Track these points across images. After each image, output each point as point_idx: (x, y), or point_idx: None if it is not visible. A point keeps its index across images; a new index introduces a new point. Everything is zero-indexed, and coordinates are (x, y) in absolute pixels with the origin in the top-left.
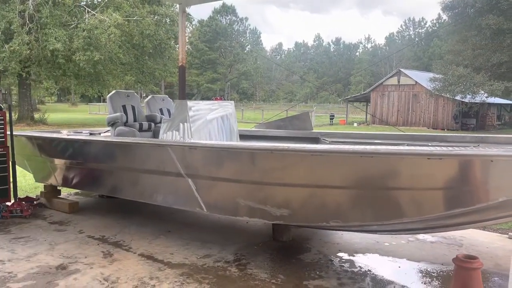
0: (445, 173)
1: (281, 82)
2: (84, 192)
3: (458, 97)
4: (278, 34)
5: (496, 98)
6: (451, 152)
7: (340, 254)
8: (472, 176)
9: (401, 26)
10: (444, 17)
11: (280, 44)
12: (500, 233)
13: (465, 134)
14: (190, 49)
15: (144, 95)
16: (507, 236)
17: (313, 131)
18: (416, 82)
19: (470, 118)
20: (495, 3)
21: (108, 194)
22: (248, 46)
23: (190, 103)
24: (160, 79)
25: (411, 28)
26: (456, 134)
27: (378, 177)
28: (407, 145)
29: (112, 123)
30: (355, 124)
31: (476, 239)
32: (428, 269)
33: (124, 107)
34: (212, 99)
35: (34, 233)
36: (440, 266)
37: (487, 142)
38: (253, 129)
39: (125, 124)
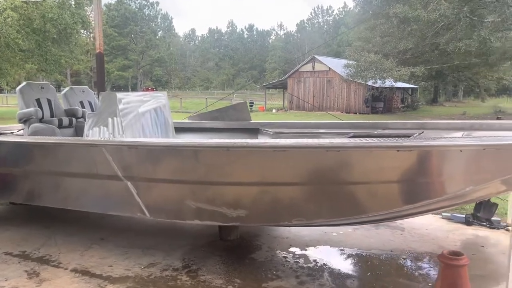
0: (414, 164)
1: (196, 69)
2: None
3: (370, 82)
4: (190, 19)
5: (399, 82)
6: (421, 143)
7: (292, 249)
8: (442, 167)
9: (311, 14)
10: (350, 5)
11: (193, 30)
12: (433, 213)
13: (406, 121)
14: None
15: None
16: (441, 216)
17: (252, 121)
18: (329, 68)
19: (379, 102)
20: None
21: (23, 201)
22: (160, 32)
23: (119, 95)
24: (67, 67)
25: (320, 16)
26: (398, 121)
27: (344, 172)
28: (354, 135)
29: (25, 120)
30: (274, 111)
31: (414, 222)
32: (381, 258)
33: (38, 101)
34: (143, 90)
35: None
36: (390, 253)
37: (428, 128)
38: (187, 121)
39: (41, 120)
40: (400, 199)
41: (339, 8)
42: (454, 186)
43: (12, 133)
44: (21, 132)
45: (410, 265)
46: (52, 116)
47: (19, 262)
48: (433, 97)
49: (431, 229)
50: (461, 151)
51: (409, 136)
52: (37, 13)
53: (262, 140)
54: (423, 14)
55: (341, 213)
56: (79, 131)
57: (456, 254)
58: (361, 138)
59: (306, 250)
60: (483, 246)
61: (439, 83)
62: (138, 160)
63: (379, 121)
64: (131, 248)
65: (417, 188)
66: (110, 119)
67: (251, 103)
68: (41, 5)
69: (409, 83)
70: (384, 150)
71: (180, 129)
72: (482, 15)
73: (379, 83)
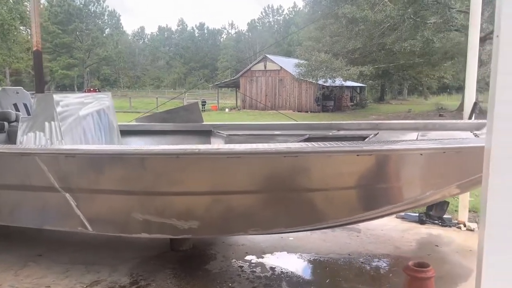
0: (375, 169)
1: (146, 67)
2: None
3: (321, 82)
4: (139, 17)
5: (348, 81)
6: (382, 148)
7: (248, 258)
8: (403, 171)
9: (261, 13)
10: (299, 5)
11: (142, 28)
12: None
13: (360, 122)
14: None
15: None
16: (394, 216)
17: (205, 123)
18: (281, 67)
19: (329, 100)
20: None
21: None
22: (108, 29)
23: (57, 97)
24: (5, 66)
25: (271, 15)
26: (353, 122)
27: (302, 178)
28: (309, 136)
29: None
30: (227, 110)
31: (370, 222)
32: (339, 262)
33: None
34: (85, 91)
35: None
36: (348, 257)
37: (383, 128)
38: (135, 123)
39: None
40: (361, 205)
41: (289, 8)
42: (415, 190)
43: None
44: None
45: (369, 269)
46: None
47: None
48: (380, 95)
49: (386, 229)
50: (421, 154)
51: (364, 138)
52: None
53: (215, 145)
54: (370, 15)
55: (299, 221)
56: (12, 137)
57: (422, 265)
58: (318, 142)
59: (262, 257)
60: (437, 246)
61: (385, 82)
62: (77, 169)
63: (334, 122)
64: (73, 265)
65: (378, 193)
66: (47, 124)
67: (204, 102)
68: None
69: (358, 82)
70: (343, 154)
71: (126, 132)
72: (425, 17)
73: (329, 82)
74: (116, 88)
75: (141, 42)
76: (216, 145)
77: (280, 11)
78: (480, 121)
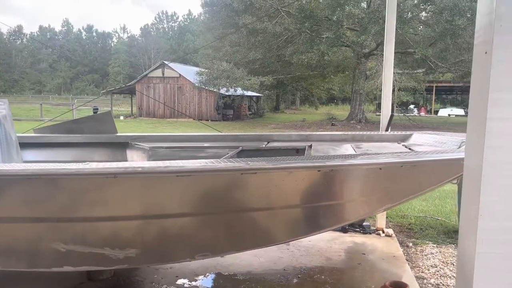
0: (335, 185)
1: (25, 70)
2: None
3: (222, 90)
4: (16, 15)
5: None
6: (345, 162)
7: (180, 282)
8: (364, 186)
9: (155, 19)
10: (194, 13)
11: (20, 27)
12: None
13: (291, 133)
14: None
15: None
16: None
17: (120, 134)
18: (180, 74)
19: (229, 109)
20: (250, 4)
21: None
22: None
23: None
24: None
25: (165, 21)
26: (283, 133)
27: (258, 196)
28: (243, 148)
29: None
30: (122, 117)
31: None
32: (276, 279)
33: None
34: None
35: None
36: (284, 272)
37: (313, 140)
38: (33, 134)
39: None
40: (316, 223)
41: (184, 15)
42: (372, 204)
43: None
44: None
45: (307, 285)
46: None
47: None
48: (275, 105)
49: (313, 240)
50: (380, 169)
51: (297, 149)
52: None
53: (153, 163)
54: (269, 27)
55: (252, 243)
56: None
57: (399, 285)
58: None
59: (196, 280)
60: (364, 254)
61: (280, 92)
62: None
63: (264, 133)
64: None
65: (335, 210)
66: None
67: (95, 109)
68: None
69: (256, 92)
70: (304, 170)
71: (24, 145)
72: (319, 32)
73: (231, 91)
74: None
75: (18, 42)
76: (150, 161)
77: (175, 17)
78: (402, 132)
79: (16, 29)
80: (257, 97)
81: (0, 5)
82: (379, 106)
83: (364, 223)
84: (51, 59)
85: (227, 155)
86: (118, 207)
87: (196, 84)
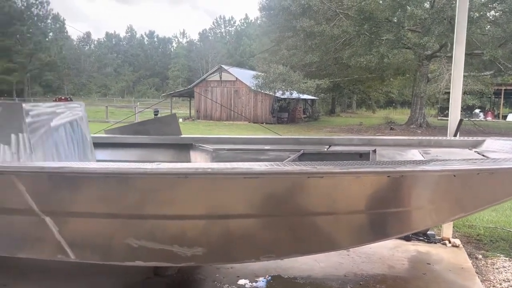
0: (407, 191)
1: (93, 74)
2: None
3: (278, 94)
4: (84, 22)
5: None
6: (415, 168)
7: (241, 282)
8: (430, 194)
9: (213, 23)
10: (251, 17)
11: (88, 34)
12: None
13: (352, 137)
14: None
15: None
16: None
17: (184, 136)
18: (236, 78)
19: (284, 112)
20: (307, 7)
21: None
22: (51, 34)
23: (26, 106)
24: None
25: (222, 26)
26: (344, 137)
27: (325, 201)
28: (304, 152)
29: None
30: (180, 120)
31: None
32: (337, 285)
33: None
34: (55, 100)
35: None
36: (345, 278)
37: (376, 144)
38: (104, 135)
39: None
40: (389, 229)
41: (241, 20)
42: (441, 214)
43: None
44: None
45: None
46: None
47: None
48: (331, 108)
49: (374, 247)
50: (454, 175)
51: (360, 154)
52: None
53: (222, 165)
54: (327, 29)
55: (315, 247)
56: None
57: None
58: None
59: (256, 282)
60: (429, 264)
61: (336, 95)
62: (62, 190)
63: (324, 137)
64: None
65: (406, 217)
66: (13, 136)
67: (156, 112)
68: None
69: (311, 95)
70: (373, 175)
71: (96, 145)
72: (378, 33)
73: (286, 95)
74: (60, 95)
75: (87, 48)
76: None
77: (232, 22)
78: (473, 138)
79: (85, 35)
80: (312, 100)
81: (70, 13)
82: (441, 110)
83: (428, 232)
84: (116, 64)
85: (289, 158)
86: (186, 206)
87: (252, 88)
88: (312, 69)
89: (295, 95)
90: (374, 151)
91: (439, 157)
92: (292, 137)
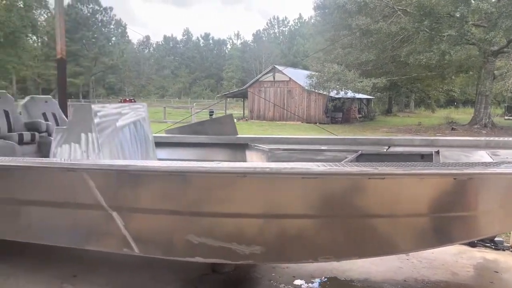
0: (474, 195)
1: (151, 76)
2: None
3: (332, 93)
4: (143, 27)
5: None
6: (484, 171)
7: (297, 283)
8: (500, 198)
9: (267, 24)
10: (305, 17)
11: (147, 37)
12: None
13: (413, 137)
14: (47, 39)
15: None
16: None
17: (240, 136)
18: (290, 78)
19: (338, 112)
20: (364, 4)
21: None
22: (114, 38)
23: (95, 107)
24: (12, 73)
25: (276, 26)
26: (405, 137)
27: (387, 202)
28: (362, 152)
29: None
30: (235, 120)
31: None
32: None
33: None
34: (121, 101)
35: None
36: (405, 283)
37: (439, 145)
38: (164, 135)
39: None
40: (446, 235)
41: (295, 19)
42: None
43: None
44: None
45: None
46: (10, 130)
47: None
48: (387, 107)
49: (437, 252)
50: None
51: (422, 155)
52: None
53: (280, 165)
54: (384, 27)
55: (374, 250)
56: (42, 148)
57: None
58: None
59: (312, 283)
60: (496, 272)
61: (393, 94)
62: (128, 187)
63: (383, 137)
64: (111, 287)
65: (468, 222)
66: (83, 135)
67: (211, 112)
68: None
69: (367, 94)
70: (438, 177)
71: (157, 144)
72: (440, 30)
73: (341, 94)
74: (121, 97)
75: (146, 51)
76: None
77: (286, 22)
78: None
79: (145, 39)
80: (368, 99)
81: (130, 18)
82: (508, 109)
83: (496, 238)
84: (173, 66)
85: (347, 159)
86: (244, 204)
87: (306, 87)
88: (368, 68)
89: (350, 94)
90: (437, 152)
91: (510, 159)
92: (350, 137)
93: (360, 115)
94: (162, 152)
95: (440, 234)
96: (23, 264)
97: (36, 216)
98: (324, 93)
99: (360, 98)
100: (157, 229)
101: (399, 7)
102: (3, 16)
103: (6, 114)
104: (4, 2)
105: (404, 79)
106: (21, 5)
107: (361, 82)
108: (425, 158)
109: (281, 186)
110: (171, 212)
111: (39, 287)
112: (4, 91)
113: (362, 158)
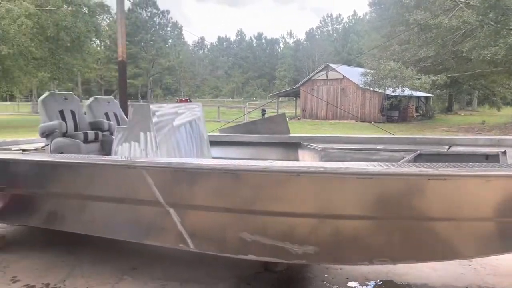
0: None
1: (206, 77)
2: None
3: (388, 91)
4: (198, 28)
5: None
6: None
7: (351, 285)
8: None
9: (320, 22)
10: (360, 13)
11: (202, 39)
12: None
13: (477, 137)
14: (108, 43)
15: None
16: None
17: (292, 135)
18: (343, 76)
19: (394, 111)
20: None
21: (42, 225)
22: (170, 40)
23: (153, 107)
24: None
25: (330, 24)
26: (468, 137)
27: (447, 205)
28: (420, 152)
29: (48, 134)
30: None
31: None
32: None
33: (61, 112)
34: (177, 101)
35: None
36: None
37: (507, 145)
38: (218, 133)
39: (64, 134)
40: None
41: (349, 16)
42: None
43: (35, 149)
44: (45, 147)
45: None
46: (76, 129)
47: None
48: (447, 105)
49: (502, 259)
50: None
51: (488, 156)
52: (51, 21)
53: (334, 164)
54: (445, 21)
55: (433, 254)
56: (105, 146)
57: None
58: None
59: (367, 285)
60: None
61: (454, 92)
62: (184, 184)
63: (444, 137)
64: (168, 281)
65: None
66: (142, 134)
67: (264, 112)
68: (55, 13)
69: (425, 92)
70: (506, 179)
71: (213, 143)
72: (506, 22)
73: (398, 92)
74: (177, 97)
75: (201, 52)
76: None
77: (340, 19)
78: None
79: (199, 40)
80: (426, 97)
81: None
82: None
83: None
84: (226, 66)
85: (404, 159)
86: (297, 204)
87: (360, 85)
88: (426, 64)
89: (407, 92)
90: (504, 152)
91: None
92: (407, 136)
93: (418, 114)
94: (217, 151)
95: (506, 240)
96: (87, 256)
97: (99, 210)
98: (380, 91)
99: (418, 96)
100: (212, 226)
101: (461, 0)
102: (69, 22)
103: (73, 114)
104: (70, 8)
105: (466, 76)
106: (86, 11)
107: (419, 79)
108: (491, 159)
109: (335, 186)
110: (225, 209)
111: (102, 278)
112: (71, 92)
113: (420, 158)
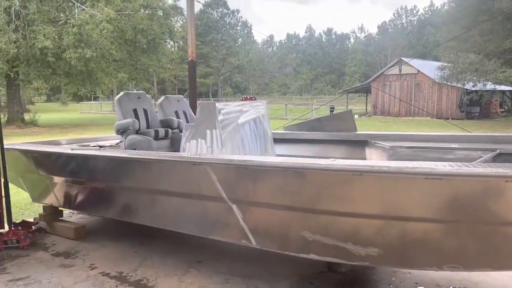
0: None
1: (274, 74)
2: None
3: (468, 86)
4: (267, 26)
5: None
6: None
7: None
8: None
9: (394, 15)
10: (437, 4)
11: (271, 36)
12: None
13: None
14: (182, 44)
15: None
16: None
17: (359, 132)
18: (418, 70)
19: (475, 107)
20: None
21: (117, 217)
22: (240, 39)
23: (219, 105)
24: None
25: (404, 17)
26: None
27: None
28: (500, 152)
29: (122, 131)
30: (356, 116)
31: None
32: None
33: (135, 111)
34: (242, 99)
35: (35, 271)
36: None
37: None
38: (283, 131)
39: (137, 131)
40: None
41: (425, 8)
42: None
43: (110, 146)
44: (120, 144)
45: None
46: (148, 127)
47: (116, 287)
48: None
49: None
50: None
51: None
52: (129, 25)
53: (400, 163)
54: None
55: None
56: (174, 143)
57: None
58: None
59: None
60: None
61: None
62: (247, 181)
63: None
64: (231, 276)
65: None
66: (208, 131)
67: (332, 108)
68: (133, 17)
69: (510, 86)
70: None
71: (277, 140)
72: None
73: (479, 86)
74: (246, 95)
75: (270, 50)
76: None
77: (415, 11)
78: None
79: (268, 38)
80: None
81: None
82: None
83: None
84: (295, 63)
85: (481, 159)
86: (361, 204)
87: (437, 80)
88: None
89: (489, 86)
90: None
91: None
92: (486, 134)
93: (503, 110)
94: (282, 148)
95: None
96: (157, 248)
97: (168, 205)
98: (458, 85)
99: (503, 91)
100: (273, 224)
101: None
102: (146, 25)
103: (145, 112)
104: (147, 12)
105: None
106: (161, 14)
107: (503, 72)
108: None
109: (401, 187)
110: (287, 207)
111: (170, 269)
112: (143, 91)
113: (500, 158)
